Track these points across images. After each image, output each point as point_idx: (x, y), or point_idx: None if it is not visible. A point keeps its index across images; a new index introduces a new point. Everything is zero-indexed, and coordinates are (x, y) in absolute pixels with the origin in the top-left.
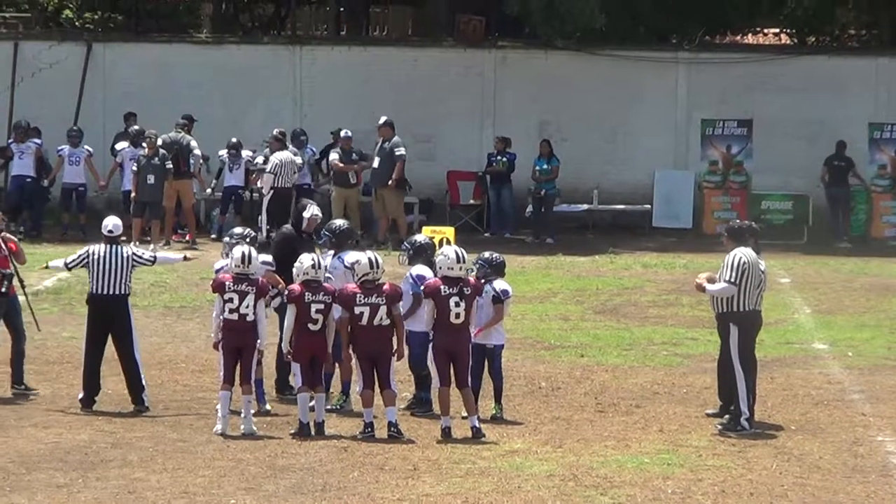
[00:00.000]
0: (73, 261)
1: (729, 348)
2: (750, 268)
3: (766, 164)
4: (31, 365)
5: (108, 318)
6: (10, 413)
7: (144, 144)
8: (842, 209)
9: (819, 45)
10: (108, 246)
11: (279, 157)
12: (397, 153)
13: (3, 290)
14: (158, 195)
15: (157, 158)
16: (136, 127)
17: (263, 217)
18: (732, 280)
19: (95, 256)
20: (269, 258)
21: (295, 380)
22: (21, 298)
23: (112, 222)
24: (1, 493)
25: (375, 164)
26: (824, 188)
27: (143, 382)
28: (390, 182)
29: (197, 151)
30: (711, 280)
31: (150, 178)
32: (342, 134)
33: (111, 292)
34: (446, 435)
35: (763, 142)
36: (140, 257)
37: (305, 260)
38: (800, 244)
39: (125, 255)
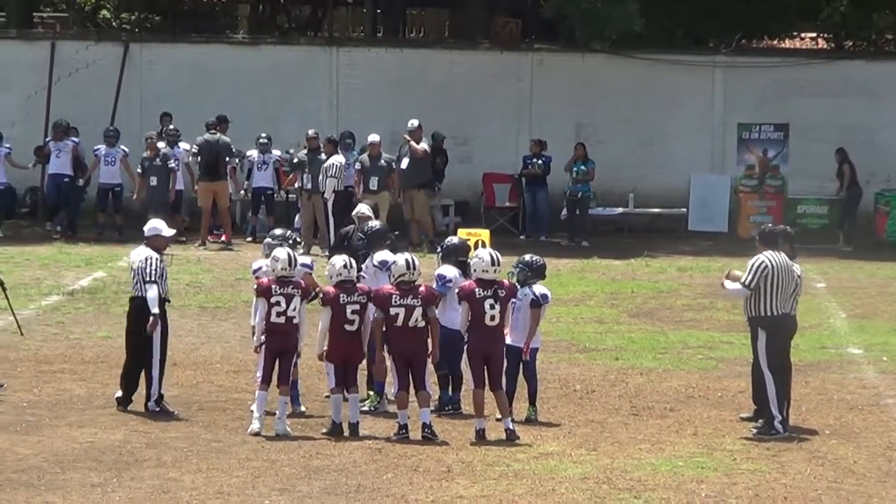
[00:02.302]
0: (153, 274)
1: (757, 352)
2: (774, 272)
3: (802, 169)
4: (65, 364)
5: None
6: (46, 412)
7: (147, 150)
8: (850, 213)
9: (856, 49)
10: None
11: (338, 160)
12: (425, 148)
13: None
14: (164, 195)
15: (158, 160)
16: (172, 126)
17: (330, 221)
18: (746, 283)
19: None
20: (308, 260)
21: (328, 380)
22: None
23: (152, 224)
24: (35, 492)
25: (404, 165)
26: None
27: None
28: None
29: (235, 157)
30: (736, 279)
31: (153, 180)
32: (369, 139)
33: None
34: (480, 437)
35: (799, 146)
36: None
37: (337, 261)
38: (835, 248)
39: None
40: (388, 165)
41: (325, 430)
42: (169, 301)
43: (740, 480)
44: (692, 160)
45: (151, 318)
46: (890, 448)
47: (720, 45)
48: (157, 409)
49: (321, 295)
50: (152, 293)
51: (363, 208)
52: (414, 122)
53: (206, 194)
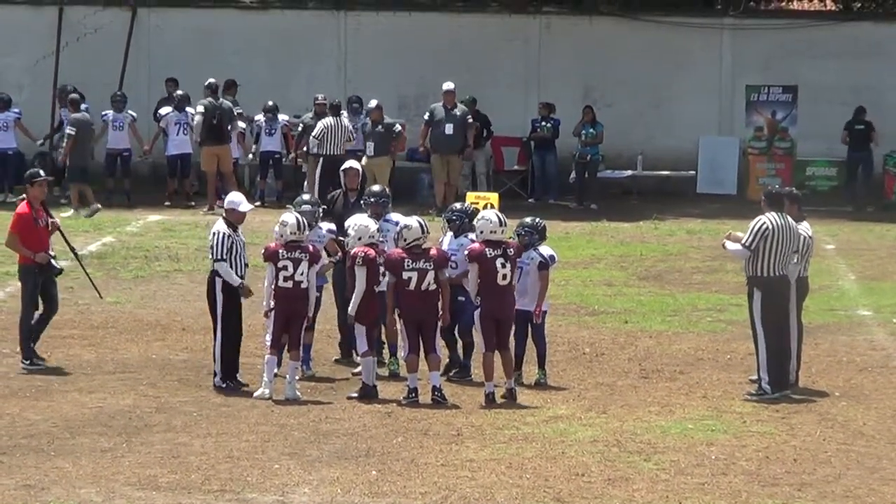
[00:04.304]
0: (220, 251)
1: (752, 312)
2: (774, 233)
3: (810, 131)
4: (74, 329)
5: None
6: (55, 378)
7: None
8: (863, 172)
9: (864, 10)
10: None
11: (325, 122)
12: (470, 119)
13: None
14: (81, 160)
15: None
16: (180, 92)
17: (316, 183)
18: (746, 244)
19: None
20: (332, 226)
21: (359, 343)
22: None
23: (230, 197)
24: (45, 458)
25: (449, 130)
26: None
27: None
28: (469, 146)
29: (241, 123)
30: (737, 240)
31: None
32: (370, 104)
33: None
34: (490, 401)
35: (808, 108)
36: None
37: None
38: (844, 210)
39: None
40: (386, 131)
41: (354, 394)
42: (242, 278)
43: (750, 443)
44: (701, 123)
45: (239, 290)
46: None
47: (728, 7)
48: (223, 385)
49: (362, 255)
50: (223, 269)
51: (351, 163)
52: (449, 85)
53: (210, 158)
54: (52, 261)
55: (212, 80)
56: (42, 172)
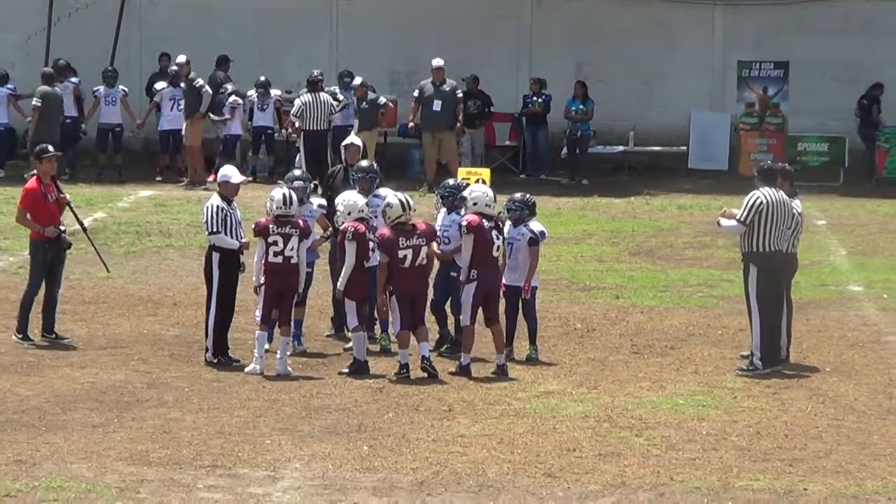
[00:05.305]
0: (213, 224)
1: (747, 286)
2: (769, 208)
3: (802, 106)
4: (66, 305)
5: (236, 271)
6: (47, 353)
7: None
8: (867, 148)
9: None
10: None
11: (302, 99)
12: (459, 95)
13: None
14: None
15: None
16: (174, 67)
17: (302, 160)
18: (741, 219)
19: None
20: (323, 201)
21: (350, 318)
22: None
23: (222, 170)
24: (37, 433)
25: (437, 107)
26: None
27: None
28: (458, 125)
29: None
30: (732, 216)
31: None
32: (355, 81)
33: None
34: (464, 371)
35: (799, 84)
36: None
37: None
38: (836, 186)
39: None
40: (371, 106)
41: (345, 370)
42: (241, 252)
43: (741, 418)
44: (692, 98)
45: (241, 251)
46: (890, 385)
47: None
48: (215, 360)
49: (351, 230)
50: (218, 239)
51: (352, 139)
52: (439, 61)
53: (199, 132)
54: (63, 235)
55: (183, 56)
56: (51, 148)
